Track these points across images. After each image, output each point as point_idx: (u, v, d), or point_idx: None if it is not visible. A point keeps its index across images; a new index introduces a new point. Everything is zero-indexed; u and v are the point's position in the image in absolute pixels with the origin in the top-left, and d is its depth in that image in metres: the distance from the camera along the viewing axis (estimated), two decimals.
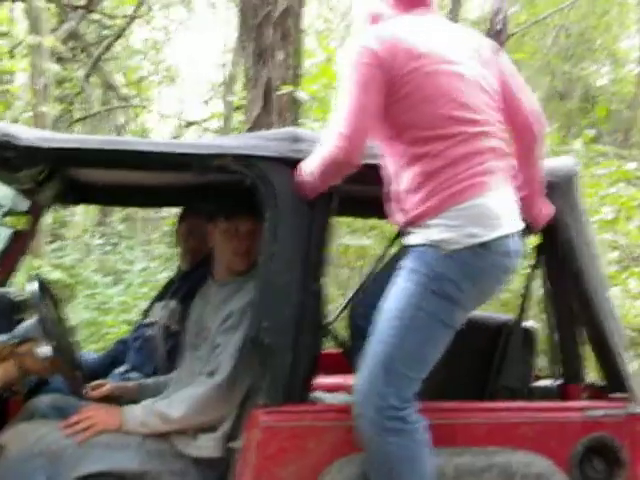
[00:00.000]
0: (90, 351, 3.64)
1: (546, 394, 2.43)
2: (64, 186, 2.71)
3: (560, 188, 2.32)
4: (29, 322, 2.22)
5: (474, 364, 2.62)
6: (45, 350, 2.15)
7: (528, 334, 2.52)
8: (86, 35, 10.86)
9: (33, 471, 2.06)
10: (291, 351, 2.04)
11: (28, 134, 1.99)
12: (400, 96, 2.02)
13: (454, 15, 10.00)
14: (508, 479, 2.06)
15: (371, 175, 2.13)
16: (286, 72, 4.55)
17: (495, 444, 2.12)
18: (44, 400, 2.45)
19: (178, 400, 2.21)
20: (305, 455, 2.02)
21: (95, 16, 10.51)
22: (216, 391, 2.20)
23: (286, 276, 2.05)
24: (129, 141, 2.04)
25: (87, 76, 9.61)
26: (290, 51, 4.57)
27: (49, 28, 9.47)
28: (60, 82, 9.65)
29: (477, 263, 1.97)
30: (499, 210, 2.00)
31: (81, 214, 10.02)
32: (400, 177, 2.06)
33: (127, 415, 2.21)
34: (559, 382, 2.46)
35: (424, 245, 1.99)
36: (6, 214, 2.54)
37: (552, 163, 2.38)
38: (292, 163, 2.09)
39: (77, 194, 2.95)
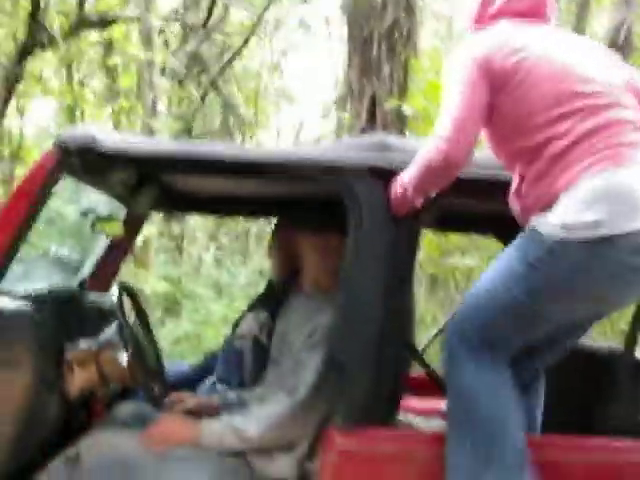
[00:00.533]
0: (184, 362, 3.63)
1: None
2: (160, 194, 2.72)
3: None
4: (110, 329, 2.21)
5: (580, 397, 2.41)
6: (124, 358, 2.13)
7: (638, 366, 2.28)
8: (207, 57, 11.20)
9: None
10: (371, 371, 1.92)
11: (112, 138, 1.98)
12: (512, 86, 1.87)
13: (578, 31, 9.64)
14: None
15: (466, 187, 1.98)
16: (392, 86, 4.44)
17: None
18: (126, 408, 2.44)
19: (256, 418, 2.13)
20: None
21: (218, 37, 10.83)
22: (295, 410, 2.10)
23: (367, 294, 1.93)
24: (211, 147, 1.99)
25: (204, 95, 9.87)
26: (397, 65, 4.46)
27: (171, 49, 9.90)
28: (179, 101, 9.98)
29: (595, 259, 1.72)
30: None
31: (200, 228, 10.29)
32: (526, 173, 1.89)
33: (205, 429, 2.15)
34: None
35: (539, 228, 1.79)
36: (98, 220, 2.55)
37: None
38: (379, 173, 1.97)
39: (173, 202, 2.97)
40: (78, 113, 10.71)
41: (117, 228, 2.68)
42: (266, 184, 2.46)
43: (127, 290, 2.35)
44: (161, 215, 6.82)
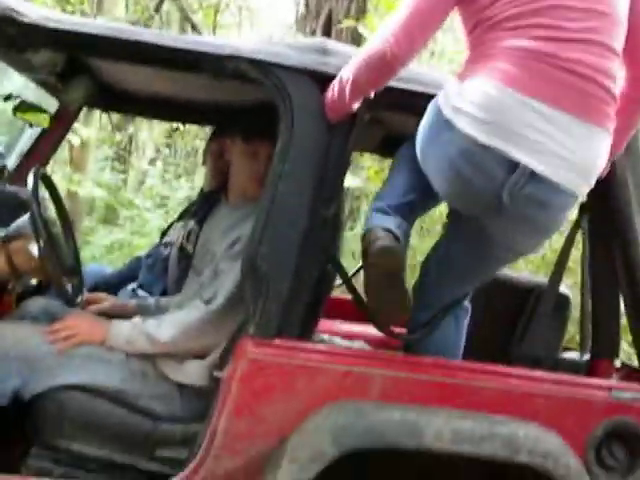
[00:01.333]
0: (106, 266, 3.55)
1: (572, 367, 2.21)
2: (93, 89, 2.58)
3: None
4: (22, 218, 2.10)
5: (498, 326, 2.42)
6: (35, 248, 2.03)
7: (560, 300, 2.29)
8: None
9: (7, 374, 1.96)
10: (290, 281, 1.86)
11: (34, 12, 1.84)
12: None
13: None
14: (512, 452, 1.85)
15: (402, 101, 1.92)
16: (349, 6, 4.29)
17: (504, 413, 1.91)
18: (37, 303, 2.36)
19: (168, 323, 2.08)
20: (292, 395, 1.86)
21: None
22: (209, 318, 2.05)
23: (293, 199, 1.86)
24: (138, 31, 1.86)
25: (160, 2, 9.46)
26: None
27: None
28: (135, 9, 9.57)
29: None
30: None
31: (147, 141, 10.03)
32: None
33: (113, 330, 2.08)
34: (588, 356, 2.22)
35: None
36: (20, 106, 2.41)
37: None
38: (316, 77, 1.88)
39: (107, 100, 2.83)
40: None
41: (41, 119, 2.54)
42: (200, 87, 2.35)
43: (44, 179, 2.23)
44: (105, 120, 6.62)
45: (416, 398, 1.89)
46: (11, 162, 2.86)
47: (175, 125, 8.87)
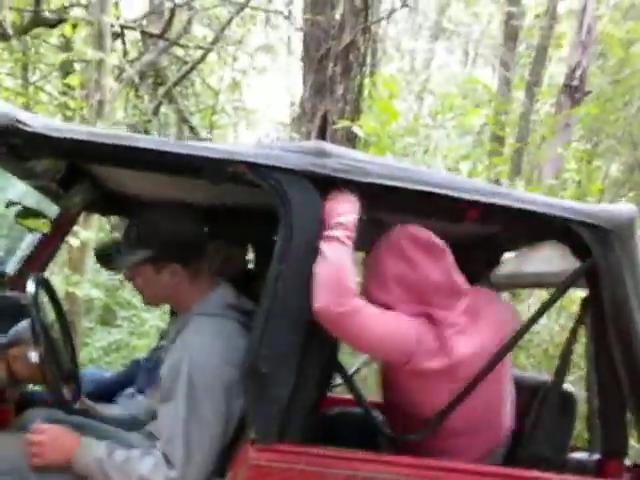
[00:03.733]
0: (105, 370, 3.50)
1: (581, 468, 2.15)
2: (94, 194, 2.61)
3: (618, 237, 2.03)
4: (21, 324, 2.09)
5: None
6: (34, 355, 2.01)
7: (566, 398, 2.25)
8: (165, 68, 11.05)
9: None
10: (291, 384, 1.84)
11: (38, 122, 1.88)
12: None
13: (535, 75, 9.85)
14: None
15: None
16: (344, 107, 4.42)
17: None
18: (39, 413, 2.31)
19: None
20: None
21: (179, 51, 10.70)
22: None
23: (293, 299, 1.86)
24: (140, 138, 1.90)
25: (158, 106, 9.69)
26: (351, 86, 4.45)
27: (130, 57, 9.72)
28: (134, 111, 9.79)
29: None
30: None
31: None
32: None
33: (82, 450, 2.00)
34: (597, 456, 2.16)
35: None
36: (22, 213, 2.43)
37: (610, 208, 2.11)
38: (314, 178, 1.92)
39: (108, 205, 2.86)
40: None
41: (42, 225, 2.57)
42: (199, 190, 2.38)
43: (44, 284, 2.23)
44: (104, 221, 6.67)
45: None
46: (10, 267, 2.87)
47: None
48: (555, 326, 5.03)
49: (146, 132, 9.54)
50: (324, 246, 1.84)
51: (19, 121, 1.84)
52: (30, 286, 2.07)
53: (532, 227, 2.11)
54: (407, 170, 1.97)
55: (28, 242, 2.91)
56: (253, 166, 1.88)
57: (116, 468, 1.96)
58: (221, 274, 2.69)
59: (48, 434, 2.01)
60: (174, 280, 2.13)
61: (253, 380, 1.83)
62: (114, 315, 6.16)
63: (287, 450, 1.83)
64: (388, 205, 2.01)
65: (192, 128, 11.23)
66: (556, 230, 2.04)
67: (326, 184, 1.91)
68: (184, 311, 2.18)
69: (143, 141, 1.88)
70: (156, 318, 5.63)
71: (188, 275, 2.15)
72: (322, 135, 4.44)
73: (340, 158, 1.93)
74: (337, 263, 1.81)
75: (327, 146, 2.00)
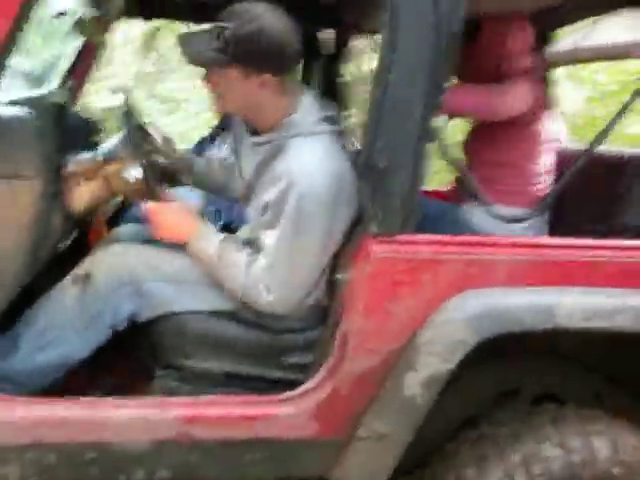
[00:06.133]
0: None
1: None
2: None
3: None
4: (116, 141, 2.00)
5: (596, 202, 2.40)
6: (134, 172, 1.95)
7: None
8: None
9: (120, 300, 1.95)
10: (410, 174, 1.81)
11: None
12: None
13: None
14: None
15: None
16: None
17: (629, 286, 1.89)
18: (129, 229, 2.30)
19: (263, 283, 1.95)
20: (420, 289, 1.84)
21: None
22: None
23: (406, 90, 1.78)
24: None
25: None
26: None
27: None
28: None
29: None
30: None
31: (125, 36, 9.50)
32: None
33: (196, 241, 2.02)
34: None
35: None
36: (77, 23, 2.26)
37: None
38: None
39: (147, 8, 2.69)
40: None
41: (97, 32, 2.41)
42: None
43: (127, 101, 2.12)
44: None
45: (541, 280, 1.88)
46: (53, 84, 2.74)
47: None
48: None
49: None
50: None
51: None
52: (117, 100, 1.97)
53: None
54: None
55: (67, 55, 2.76)
56: None
57: (224, 266, 1.98)
58: None
59: (165, 212, 2.02)
60: (262, 91, 1.94)
61: (371, 176, 1.80)
62: None
63: (409, 240, 1.83)
64: None
65: None
66: None
67: None
68: (264, 125, 2.03)
69: None
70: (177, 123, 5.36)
71: (279, 85, 1.96)
72: None
73: None
74: None
75: None
